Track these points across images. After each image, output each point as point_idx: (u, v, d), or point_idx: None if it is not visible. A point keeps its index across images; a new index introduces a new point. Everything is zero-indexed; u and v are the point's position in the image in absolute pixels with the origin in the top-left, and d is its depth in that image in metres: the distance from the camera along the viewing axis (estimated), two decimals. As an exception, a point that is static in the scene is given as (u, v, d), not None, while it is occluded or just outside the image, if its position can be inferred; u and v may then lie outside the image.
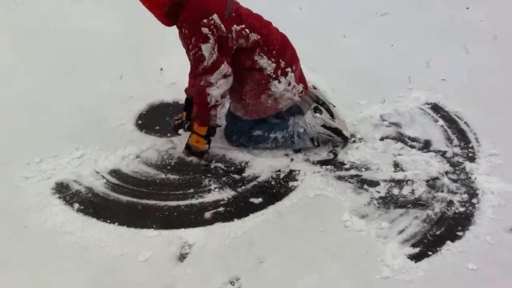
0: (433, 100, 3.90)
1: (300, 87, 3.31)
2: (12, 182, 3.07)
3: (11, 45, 4.74)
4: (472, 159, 3.27)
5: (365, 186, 3.05)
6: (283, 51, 3.20)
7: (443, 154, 3.32)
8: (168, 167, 3.25)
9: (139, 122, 3.68)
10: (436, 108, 3.81)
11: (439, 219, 2.81)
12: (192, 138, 3.20)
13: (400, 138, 3.48)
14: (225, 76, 3.04)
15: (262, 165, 3.25)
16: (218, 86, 3.04)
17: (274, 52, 3.14)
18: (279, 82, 3.19)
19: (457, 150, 3.36)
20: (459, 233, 2.70)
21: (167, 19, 3.06)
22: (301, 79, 3.35)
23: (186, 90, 3.48)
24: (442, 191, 3.00)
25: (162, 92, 4.01)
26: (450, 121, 3.65)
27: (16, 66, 4.37)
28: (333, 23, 5.26)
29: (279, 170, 3.21)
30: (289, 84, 3.23)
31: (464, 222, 2.78)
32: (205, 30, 2.92)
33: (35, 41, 4.79)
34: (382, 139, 3.46)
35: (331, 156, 3.32)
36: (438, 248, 2.62)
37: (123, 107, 3.80)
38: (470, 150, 3.36)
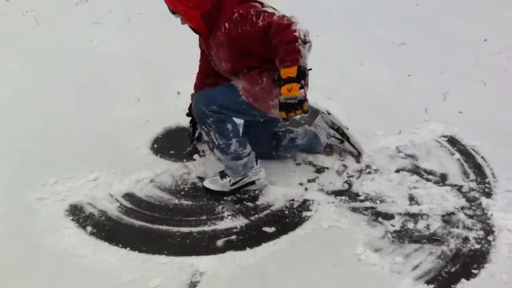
0: (449, 133, 3.87)
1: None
2: (26, 203, 3.08)
3: (30, 66, 4.81)
4: (488, 194, 3.23)
5: (380, 219, 3.03)
6: None
7: (459, 188, 3.28)
8: (182, 193, 3.24)
9: (155, 146, 3.69)
10: (452, 141, 3.78)
11: (454, 255, 2.77)
12: (282, 89, 2.67)
13: (415, 170, 3.45)
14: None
15: (276, 193, 3.24)
16: (302, 24, 2.71)
17: None
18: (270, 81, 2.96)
19: (473, 185, 3.32)
20: (474, 271, 2.66)
21: (202, 21, 2.95)
22: None
23: (193, 95, 3.35)
24: (457, 227, 2.96)
25: (178, 116, 4.02)
26: (467, 155, 3.62)
27: (34, 87, 4.43)
28: (350, 52, 5.27)
29: (292, 199, 3.19)
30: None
31: (480, 259, 2.73)
32: (257, 4, 2.85)
33: (53, 63, 4.86)
34: (397, 171, 3.43)
35: (346, 186, 3.30)
36: (452, 286, 2.57)
37: (139, 131, 3.82)
38: (486, 185, 3.32)
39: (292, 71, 2.63)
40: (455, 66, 4.95)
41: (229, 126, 3.06)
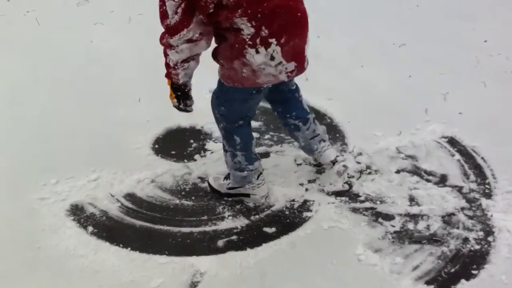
0: (450, 133, 3.87)
1: (291, 65, 2.68)
2: (27, 203, 3.09)
3: (31, 66, 4.81)
4: (488, 195, 3.24)
5: (380, 220, 3.03)
6: (270, 18, 2.50)
7: (459, 189, 3.29)
8: (183, 193, 3.25)
9: (156, 146, 3.70)
10: (452, 142, 3.79)
11: (454, 256, 2.78)
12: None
13: (416, 171, 3.46)
14: (190, 41, 2.55)
15: (276, 194, 3.24)
16: (178, 51, 2.59)
17: (257, 15, 2.47)
18: (257, 52, 2.55)
19: (473, 186, 3.33)
20: (474, 272, 2.67)
21: None
22: (295, 56, 2.69)
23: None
24: (457, 228, 2.97)
25: (179, 117, 4.00)
26: (467, 156, 3.63)
27: (35, 87, 4.43)
28: (351, 53, 5.28)
29: (293, 200, 3.20)
30: (272, 58, 2.59)
31: (480, 260, 2.75)
32: None
33: (54, 63, 4.86)
34: (398, 171, 3.44)
35: (346, 187, 3.30)
36: (452, 287, 2.58)
37: (140, 131, 3.83)
38: (486, 186, 3.33)
39: (168, 81, 2.87)
40: (456, 67, 4.96)
41: (237, 139, 2.98)
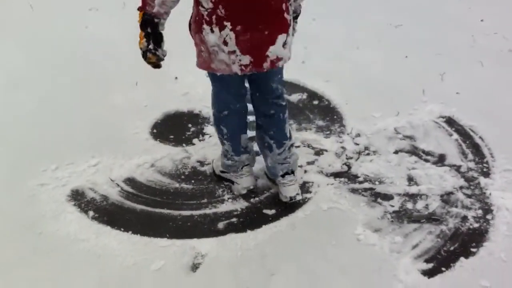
0: (447, 113, 3.88)
1: (246, 58, 2.54)
2: (27, 189, 3.10)
3: (25, 52, 4.80)
4: (486, 174, 3.26)
5: (379, 200, 3.05)
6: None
7: (457, 168, 3.30)
8: (182, 177, 3.26)
9: (154, 131, 3.70)
10: (450, 121, 3.80)
11: (453, 234, 2.80)
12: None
13: (414, 151, 3.47)
14: None
15: (276, 176, 3.25)
16: None
17: None
18: (212, 31, 2.48)
19: (471, 164, 3.34)
20: (473, 250, 2.69)
21: None
22: (252, 50, 2.54)
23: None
24: (456, 206, 2.99)
25: (176, 101, 4.03)
26: (465, 135, 3.64)
27: (31, 74, 4.42)
28: (347, 35, 5.27)
29: (292, 182, 3.21)
30: (225, 43, 2.49)
31: (478, 238, 2.77)
32: None
33: (49, 49, 4.85)
34: (396, 152, 3.45)
35: (345, 168, 3.32)
36: (451, 264, 2.60)
37: (138, 116, 3.83)
38: (484, 165, 3.34)
39: (139, 17, 2.60)
40: (452, 47, 4.96)
41: (223, 129, 2.94)
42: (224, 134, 2.97)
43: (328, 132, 3.68)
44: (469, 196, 3.07)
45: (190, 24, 2.67)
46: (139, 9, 2.57)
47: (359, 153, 3.46)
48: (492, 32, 5.22)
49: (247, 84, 2.87)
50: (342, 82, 4.31)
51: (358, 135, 3.63)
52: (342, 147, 3.51)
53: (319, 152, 3.46)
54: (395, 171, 3.28)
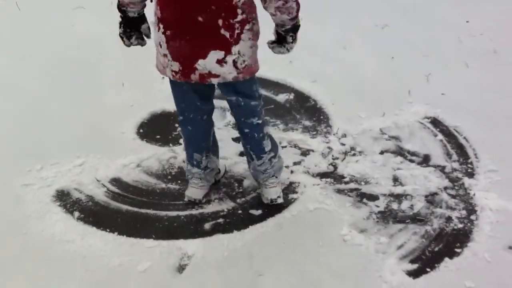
0: (432, 114, 3.91)
1: (175, 65, 2.50)
2: (12, 190, 3.08)
3: (12, 51, 4.76)
4: (471, 174, 3.29)
5: (365, 200, 3.07)
6: (167, 1, 2.42)
7: (442, 169, 3.33)
8: (169, 177, 3.26)
9: (141, 131, 3.69)
10: (435, 122, 3.83)
11: (437, 235, 2.82)
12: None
13: (399, 152, 3.49)
14: None
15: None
16: None
17: None
18: (155, 29, 2.51)
19: (456, 165, 3.37)
20: (458, 250, 2.72)
21: None
22: (181, 58, 2.48)
23: None
24: (440, 207, 3.02)
25: (163, 101, 4.01)
26: (450, 136, 3.67)
27: (17, 73, 4.39)
28: (334, 35, 5.28)
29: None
30: (160, 45, 2.51)
31: (463, 238, 2.79)
32: None
33: (36, 48, 4.81)
34: (381, 152, 3.47)
35: (331, 168, 3.33)
36: (436, 265, 2.63)
37: (125, 116, 3.82)
38: (469, 165, 3.37)
39: None
40: (438, 48, 4.99)
41: (182, 134, 2.95)
42: (183, 138, 2.97)
43: (314, 133, 3.69)
44: (453, 197, 3.10)
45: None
46: None
47: (345, 153, 3.47)
48: (478, 33, 5.26)
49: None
50: (329, 82, 4.32)
51: (344, 135, 3.65)
52: (329, 148, 3.52)
53: (305, 153, 3.48)
54: (381, 172, 3.30)
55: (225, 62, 2.48)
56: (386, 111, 3.92)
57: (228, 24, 2.40)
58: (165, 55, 2.50)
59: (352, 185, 3.19)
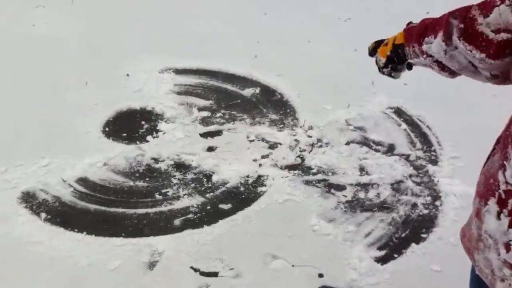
0: (396, 104, 3.98)
1: None
2: (-24, 192, 3.02)
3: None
4: (434, 162, 3.36)
5: (332, 190, 3.11)
6: None
7: (406, 157, 3.40)
8: (137, 174, 3.24)
9: (106, 129, 3.66)
10: (399, 112, 3.89)
11: (404, 221, 2.88)
12: None
13: (365, 142, 3.55)
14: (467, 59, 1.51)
15: (230, 170, 3.27)
16: (447, 52, 1.56)
17: None
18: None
19: (420, 153, 3.44)
20: (423, 235, 2.78)
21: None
22: None
23: None
24: (406, 194, 3.08)
25: (128, 99, 3.99)
26: (413, 125, 3.74)
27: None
28: (298, 29, 5.32)
29: (247, 176, 3.23)
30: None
31: (428, 224, 2.86)
32: None
33: (-3, 47, 4.72)
34: (347, 143, 3.52)
35: (299, 160, 3.36)
36: (403, 251, 2.69)
37: (89, 114, 3.77)
38: (432, 153, 3.45)
39: (397, 38, 2.03)
40: (400, 39, 5.05)
41: None
42: None
43: (281, 126, 3.72)
44: (418, 184, 3.16)
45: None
46: (406, 32, 1.91)
47: (312, 145, 3.51)
48: (437, 24, 5.34)
49: None
50: (294, 75, 4.35)
51: (311, 127, 3.69)
52: (296, 140, 3.55)
53: (273, 146, 3.50)
54: (347, 162, 3.35)
55: None
56: (351, 102, 3.97)
57: None
58: (505, 263, 1.36)
59: (320, 176, 3.23)
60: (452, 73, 1.68)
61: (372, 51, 2.18)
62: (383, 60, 2.05)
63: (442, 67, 1.67)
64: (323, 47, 4.91)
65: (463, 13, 1.51)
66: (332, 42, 5.02)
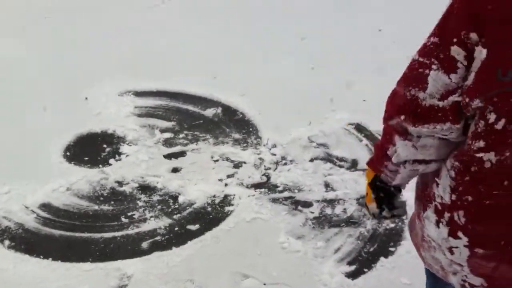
0: (356, 120, 4.05)
1: (476, 280, 1.54)
2: None
3: None
4: (397, 176, 3.42)
5: (299, 207, 3.13)
6: None
7: (370, 172, 3.45)
8: (101, 198, 3.19)
9: (67, 153, 3.60)
10: (359, 128, 3.96)
11: (371, 236, 2.92)
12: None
13: (328, 158, 3.59)
14: (442, 140, 1.45)
15: (197, 191, 3.26)
16: (417, 147, 1.48)
17: None
18: (437, 225, 1.53)
19: (382, 168, 3.50)
20: (391, 249, 2.82)
21: None
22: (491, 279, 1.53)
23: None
24: (372, 209, 3.12)
25: (89, 122, 3.94)
26: (374, 140, 3.81)
27: None
28: (256, 48, 5.36)
29: (214, 196, 3.23)
30: (451, 251, 1.53)
31: (395, 237, 2.90)
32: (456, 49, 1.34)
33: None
34: (311, 160, 3.56)
35: (264, 179, 3.38)
36: (372, 265, 2.72)
37: (49, 140, 3.70)
38: (394, 167, 3.51)
39: (369, 174, 1.86)
40: (355, 57, 5.16)
41: None
42: None
43: (245, 145, 3.74)
44: (383, 198, 3.21)
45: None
46: (369, 164, 1.78)
47: (277, 163, 3.54)
48: (391, 41, 5.49)
49: None
50: (255, 94, 4.38)
51: (274, 145, 3.72)
52: (260, 158, 3.57)
53: (238, 165, 3.51)
54: (313, 179, 3.38)
55: None
56: (312, 120, 4.02)
57: None
58: (456, 263, 1.53)
59: (286, 194, 3.25)
60: (439, 159, 1.50)
61: (368, 211, 1.91)
62: (374, 205, 1.85)
63: (426, 162, 1.51)
64: (281, 66, 4.97)
65: (394, 107, 1.53)
66: (291, 61, 5.08)
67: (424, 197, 1.56)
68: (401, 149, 1.52)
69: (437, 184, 1.48)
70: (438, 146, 1.46)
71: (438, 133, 1.42)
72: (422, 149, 1.47)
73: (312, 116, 4.06)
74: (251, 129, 3.94)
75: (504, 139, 1.30)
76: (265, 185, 3.33)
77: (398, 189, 1.77)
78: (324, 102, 4.29)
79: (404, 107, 1.46)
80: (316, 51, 5.30)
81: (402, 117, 1.47)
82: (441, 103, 1.37)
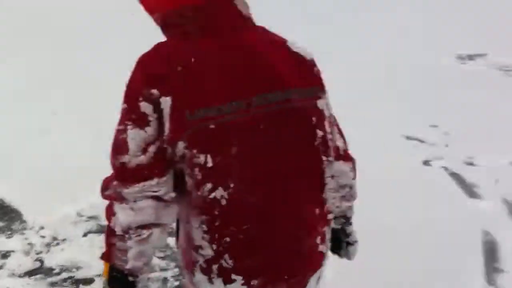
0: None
1: None
2: None
3: None
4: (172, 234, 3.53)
5: (81, 286, 3.06)
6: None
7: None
8: None
9: None
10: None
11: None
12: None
13: (102, 230, 3.55)
14: (157, 198, 1.51)
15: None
16: (135, 209, 1.50)
17: None
18: (210, 282, 1.61)
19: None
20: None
21: None
22: None
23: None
24: (155, 271, 3.16)
25: None
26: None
27: None
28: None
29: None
30: None
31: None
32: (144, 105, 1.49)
33: None
34: (85, 234, 3.49)
35: (38, 264, 3.22)
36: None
37: None
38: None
39: (105, 268, 1.71)
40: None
41: None
42: None
43: (9, 232, 3.51)
44: (163, 258, 3.28)
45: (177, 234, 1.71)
46: (103, 258, 1.65)
47: (49, 245, 3.39)
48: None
49: None
50: (12, 177, 4.12)
51: (42, 227, 3.56)
52: (29, 243, 3.39)
53: (5, 255, 3.29)
54: (90, 253, 3.31)
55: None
56: (77, 194, 3.92)
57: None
58: None
59: (65, 275, 3.15)
60: (161, 223, 1.54)
61: None
62: None
63: (148, 226, 1.52)
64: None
65: (107, 178, 1.56)
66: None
67: (189, 266, 1.61)
68: (120, 214, 1.52)
69: (196, 248, 1.55)
70: (156, 207, 1.50)
71: (150, 191, 1.48)
72: (140, 211, 1.50)
73: (78, 190, 3.95)
74: (13, 215, 3.70)
75: (219, 173, 1.47)
76: (40, 270, 3.17)
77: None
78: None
79: (116, 174, 1.53)
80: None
81: (115, 183, 1.51)
82: (144, 158, 1.48)
